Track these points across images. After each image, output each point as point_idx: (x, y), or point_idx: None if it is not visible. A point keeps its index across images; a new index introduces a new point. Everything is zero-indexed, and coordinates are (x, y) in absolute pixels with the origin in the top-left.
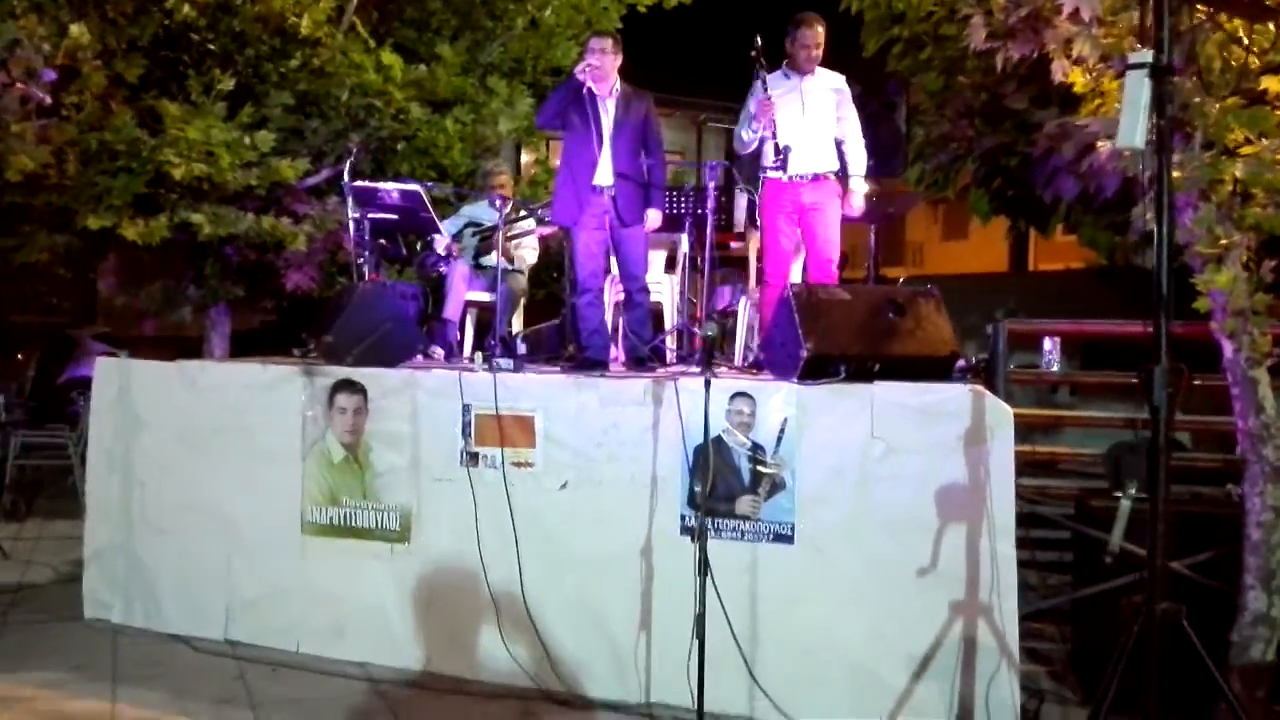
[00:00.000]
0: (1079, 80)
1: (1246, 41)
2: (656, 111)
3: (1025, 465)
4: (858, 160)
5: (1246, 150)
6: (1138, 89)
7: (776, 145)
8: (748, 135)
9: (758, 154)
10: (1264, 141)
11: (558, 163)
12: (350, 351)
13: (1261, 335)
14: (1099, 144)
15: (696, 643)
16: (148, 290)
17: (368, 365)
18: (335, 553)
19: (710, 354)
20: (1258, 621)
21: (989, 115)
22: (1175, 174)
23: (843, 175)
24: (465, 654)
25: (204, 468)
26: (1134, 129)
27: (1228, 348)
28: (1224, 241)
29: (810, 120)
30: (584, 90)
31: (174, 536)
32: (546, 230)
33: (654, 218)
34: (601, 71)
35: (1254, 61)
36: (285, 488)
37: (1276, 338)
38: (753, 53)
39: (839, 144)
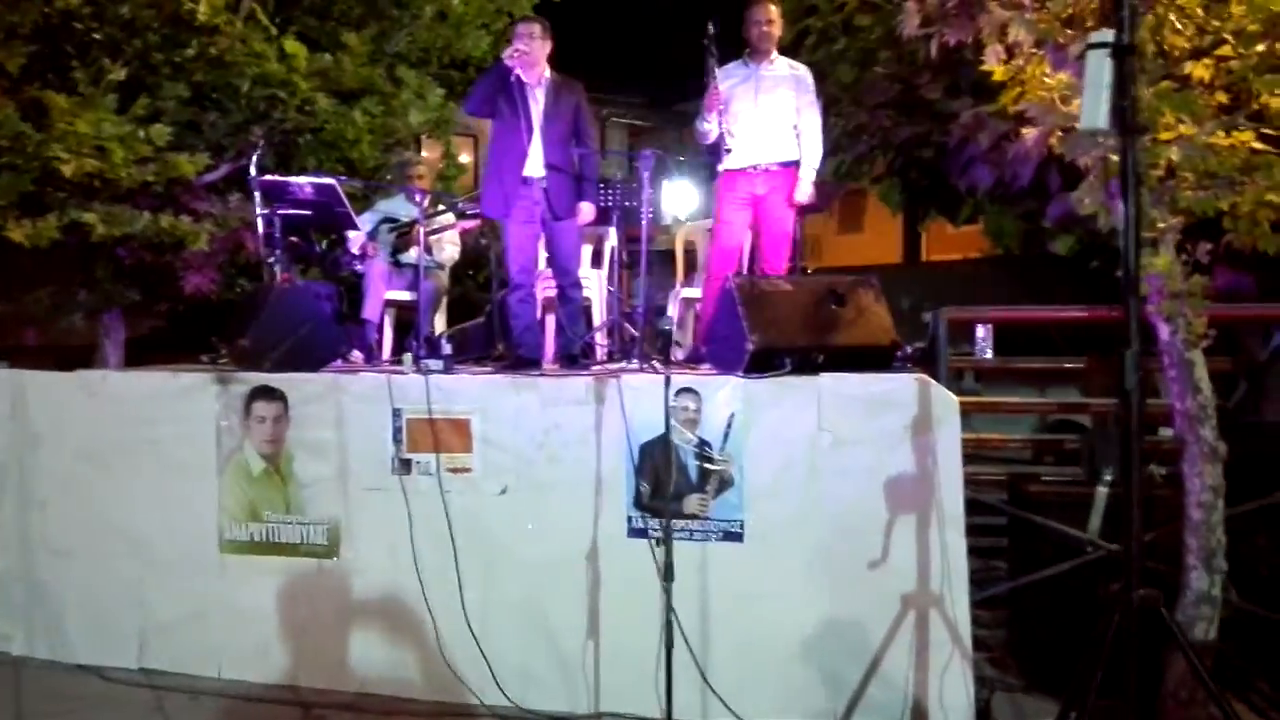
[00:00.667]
0: (999, 70)
1: (1178, 26)
2: (588, 101)
3: None
4: (811, 151)
5: (1170, 134)
6: (1099, 69)
7: (724, 134)
8: (705, 126)
9: (717, 144)
10: (1193, 126)
11: (464, 158)
12: (268, 356)
13: (1197, 317)
14: (1024, 130)
15: (664, 651)
16: (34, 296)
17: (287, 370)
18: (257, 571)
19: (668, 348)
20: (1200, 601)
21: (903, 106)
22: (1113, 158)
23: None
24: (403, 672)
25: (110, 485)
26: (1097, 109)
27: (1164, 330)
28: (1160, 225)
29: (764, 109)
30: (512, 78)
31: (79, 560)
32: (468, 224)
33: (587, 211)
34: (530, 58)
35: (1183, 45)
36: (200, 503)
37: (1211, 320)
38: (705, 40)
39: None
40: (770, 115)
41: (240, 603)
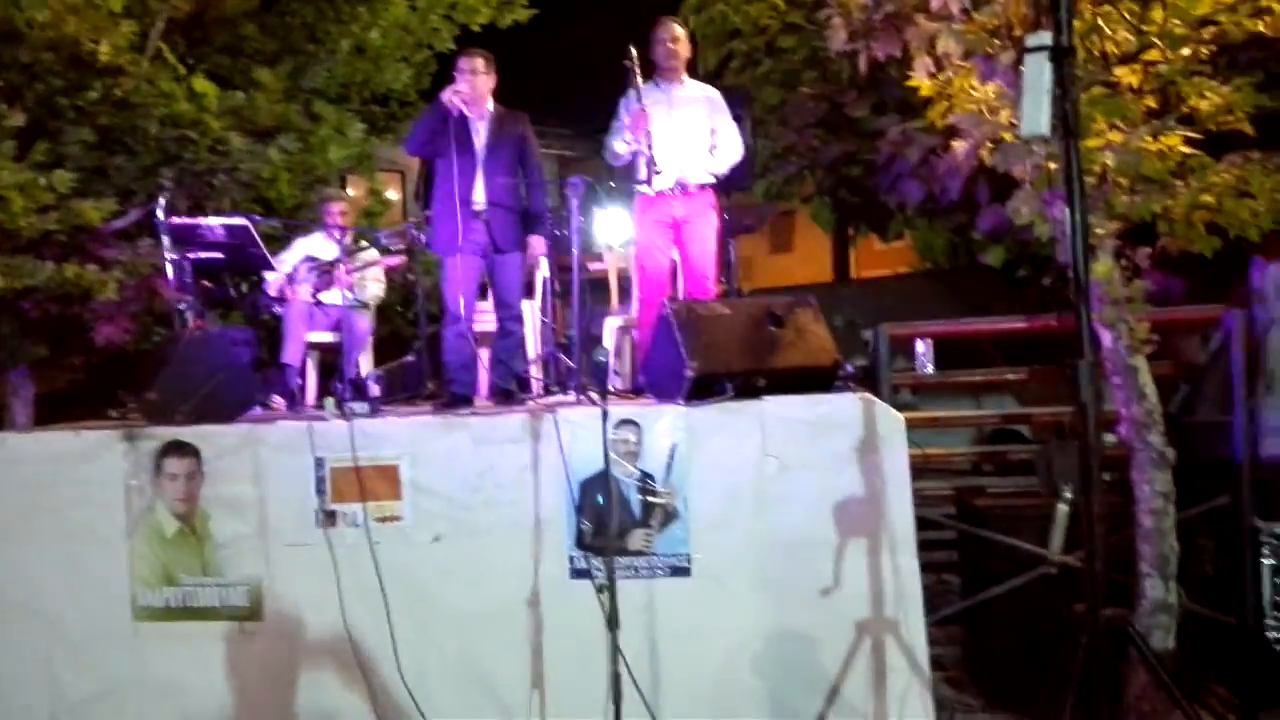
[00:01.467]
0: (925, 85)
1: (1107, 31)
2: (533, 133)
3: None
4: (719, 162)
5: (1096, 141)
6: (1038, 73)
7: (649, 158)
8: (621, 147)
9: (630, 166)
10: (1117, 135)
11: (392, 194)
12: (178, 409)
13: (1139, 323)
14: (954, 143)
15: (613, 708)
16: None
17: (200, 423)
18: (175, 638)
19: (605, 381)
20: (1157, 609)
21: (830, 125)
22: (1052, 165)
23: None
24: None
25: (12, 555)
26: (1038, 114)
27: (1107, 337)
28: (1099, 232)
29: (679, 130)
30: (455, 113)
31: None
32: (392, 261)
33: (537, 245)
34: (473, 94)
35: (1113, 50)
36: (110, 570)
37: (1153, 325)
38: (626, 62)
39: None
40: (685, 137)
41: (158, 675)
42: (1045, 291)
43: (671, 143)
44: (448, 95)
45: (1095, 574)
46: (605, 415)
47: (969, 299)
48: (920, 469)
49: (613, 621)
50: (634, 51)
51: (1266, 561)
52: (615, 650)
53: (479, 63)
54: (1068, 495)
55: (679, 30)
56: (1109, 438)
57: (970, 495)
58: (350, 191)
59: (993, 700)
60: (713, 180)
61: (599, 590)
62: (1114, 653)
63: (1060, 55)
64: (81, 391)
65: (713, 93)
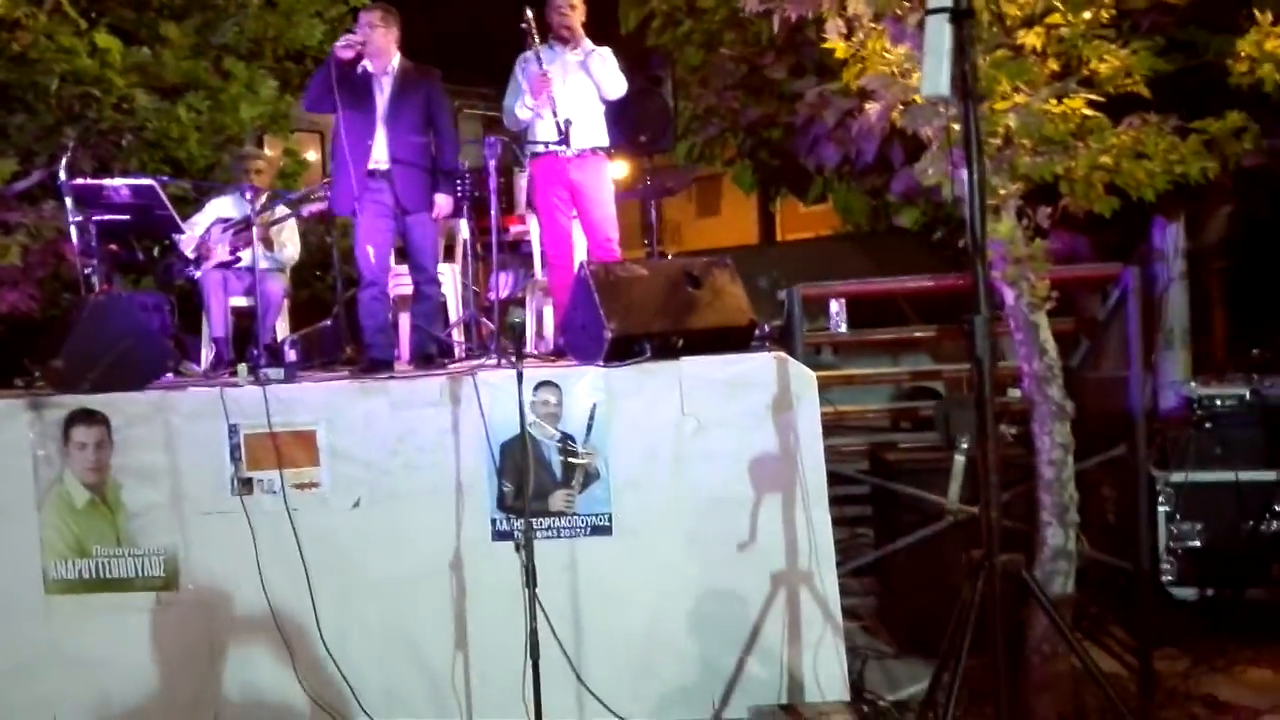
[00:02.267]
0: (840, 46)
1: None
2: (444, 90)
3: None
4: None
5: (1004, 104)
6: (939, 35)
7: (558, 123)
8: (523, 113)
9: (529, 130)
10: (1023, 97)
11: (311, 154)
12: (85, 376)
13: (1040, 280)
14: (866, 105)
15: (530, 664)
16: None
17: (108, 390)
18: (89, 611)
19: (520, 344)
20: (1057, 556)
21: (750, 87)
22: (955, 127)
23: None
24: (259, 706)
25: None
26: (938, 75)
27: (1009, 294)
28: (1001, 192)
29: (572, 94)
30: (358, 69)
31: None
32: (314, 207)
33: (443, 203)
34: (371, 48)
35: (1014, 13)
36: (19, 543)
37: (1052, 282)
38: (523, 25)
39: (609, 109)
40: (578, 100)
41: (73, 649)
42: (960, 253)
43: (565, 107)
44: (340, 45)
45: (991, 522)
46: (520, 377)
47: (890, 261)
48: (837, 425)
49: (530, 579)
50: (530, 14)
51: (1162, 509)
52: (533, 607)
53: (376, 15)
54: (964, 447)
55: None
56: (1014, 393)
57: (883, 450)
58: (268, 152)
59: (905, 646)
60: (605, 144)
61: (517, 549)
62: (1015, 598)
63: (960, 17)
64: None
65: (603, 50)
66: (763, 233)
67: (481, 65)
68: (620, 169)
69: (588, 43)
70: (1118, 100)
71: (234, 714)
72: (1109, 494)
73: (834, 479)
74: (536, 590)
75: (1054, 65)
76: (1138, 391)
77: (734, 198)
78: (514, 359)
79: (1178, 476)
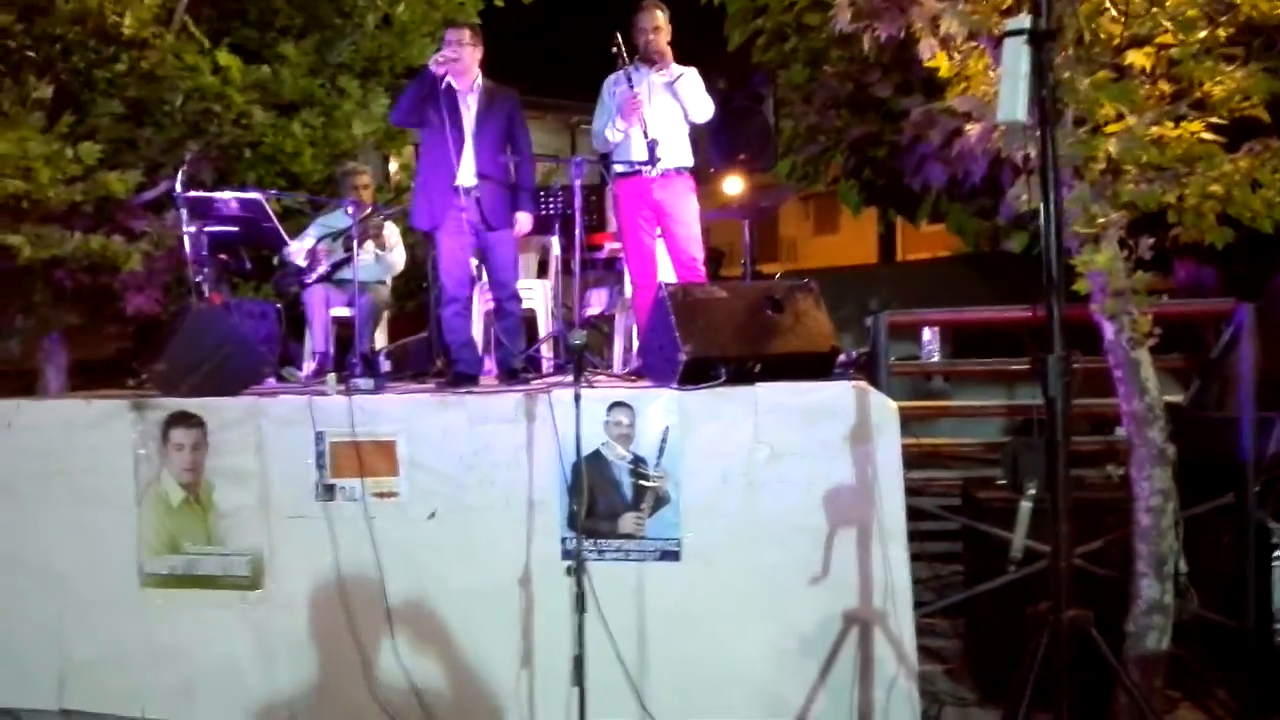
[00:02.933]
0: (944, 64)
1: (1114, 13)
2: (523, 109)
3: (908, 457)
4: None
5: (1115, 127)
6: (1016, 58)
7: (648, 143)
8: (614, 135)
9: (616, 149)
10: (1134, 117)
11: None
12: (185, 380)
13: (1142, 315)
14: (967, 126)
15: (577, 691)
16: None
17: (206, 394)
18: (179, 605)
19: (580, 365)
20: (1152, 610)
21: (855, 105)
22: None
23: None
24: (332, 707)
25: (26, 518)
26: (1014, 100)
27: (1109, 329)
28: (1100, 221)
29: (658, 115)
30: (442, 86)
31: None
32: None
33: (524, 221)
34: (460, 65)
35: (1118, 32)
36: (119, 536)
37: (1157, 317)
38: (614, 49)
39: (710, 128)
40: (664, 121)
41: (162, 639)
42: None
43: (652, 127)
44: (434, 59)
45: (1061, 572)
46: (578, 399)
47: (1011, 283)
48: (933, 457)
49: (581, 605)
50: (619, 36)
51: (1276, 565)
52: (581, 634)
53: (465, 34)
54: (1032, 492)
55: (660, 18)
56: (1120, 431)
57: (975, 487)
58: (393, 165)
59: (988, 694)
60: (690, 164)
61: (568, 573)
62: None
63: (1039, 39)
64: (127, 359)
65: (689, 70)
66: (882, 252)
67: (560, 78)
68: (735, 185)
69: (675, 66)
70: (1236, 125)
71: (307, 714)
72: (1228, 543)
73: (922, 514)
74: (588, 616)
75: (1165, 87)
76: (1249, 436)
77: (853, 215)
78: (584, 380)
79: None
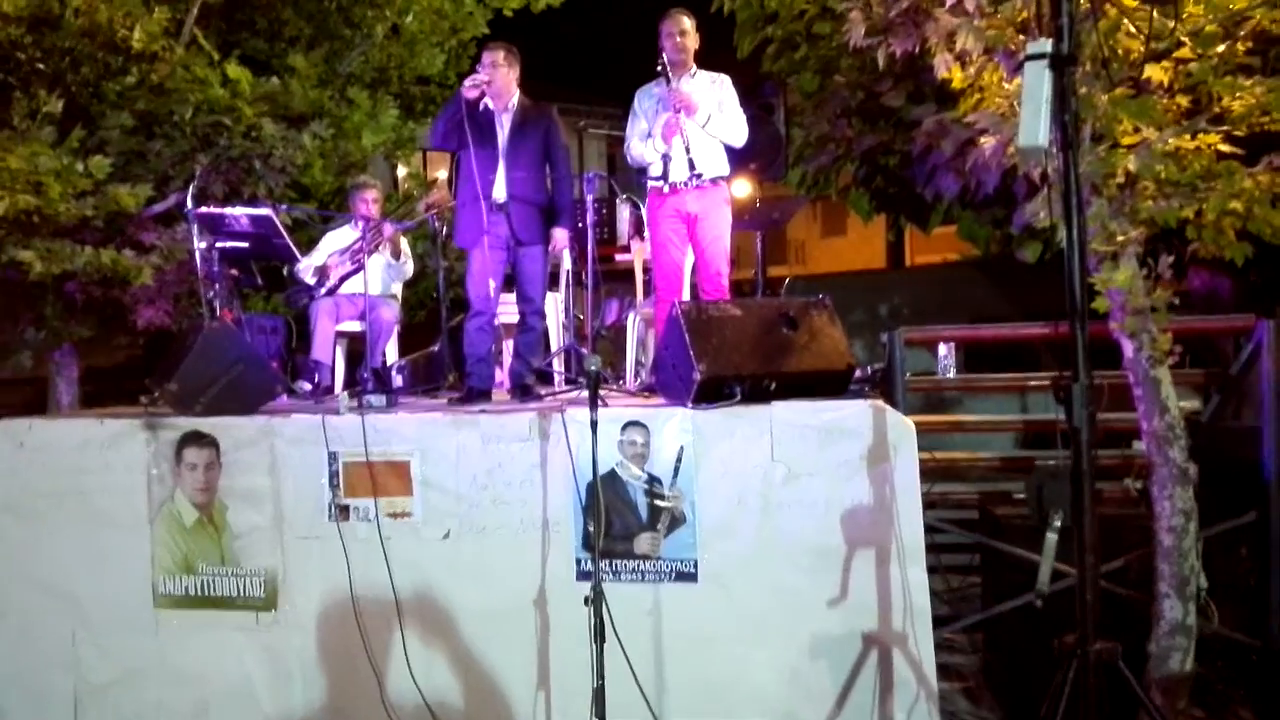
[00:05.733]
0: (957, 76)
1: (1132, 29)
2: (560, 126)
3: (923, 471)
4: (717, 128)
5: (1131, 139)
6: (1037, 82)
7: (690, 159)
8: (651, 155)
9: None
10: (1153, 132)
11: (434, 174)
12: (198, 399)
13: (1162, 333)
14: (981, 140)
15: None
16: None
17: (219, 413)
18: (193, 626)
19: (596, 391)
20: (1175, 631)
21: (866, 114)
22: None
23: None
24: None
25: (38, 538)
26: (1036, 125)
27: (1128, 347)
28: (1120, 238)
29: (689, 124)
30: (481, 107)
31: (7, 618)
32: (433, 197)
33: (560, 238)
34: (495, 87)
35: (1137, 48)
36: (132, 556)
37: (1177, 335)
38: (658, 67)
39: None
40: (696, 130)
41: (176, 660)
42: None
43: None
44: (467, 85)
45: (1087, 604)
46: (594, 426)
47: (1023, 289)
48: (949, 470)
49: (599, 636)
50: (664, 56)
51: None
52: (600, 665)
53: (500, 55)
54: (1057, 524)
55: (687, 23)
56: (1139, 445)
57: (993, 503)
58: (402, 170)
59: (1009, 714)
60: (726, 173)
61: (586, 603)
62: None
63: (1060, 64)
64: (138, 365)
65: (721, 77)
66: (890, 256)
67: (608, 84)
68: (741, 188)
69: (704, 74)
70: (1253, 140)
71: None
72: (1246, 556)
73: (940, 526)
74: (607, 641)
75: (1183, 101)
76: (1271, 453)
77: (859, 218)
78: (600, 401)
79: None
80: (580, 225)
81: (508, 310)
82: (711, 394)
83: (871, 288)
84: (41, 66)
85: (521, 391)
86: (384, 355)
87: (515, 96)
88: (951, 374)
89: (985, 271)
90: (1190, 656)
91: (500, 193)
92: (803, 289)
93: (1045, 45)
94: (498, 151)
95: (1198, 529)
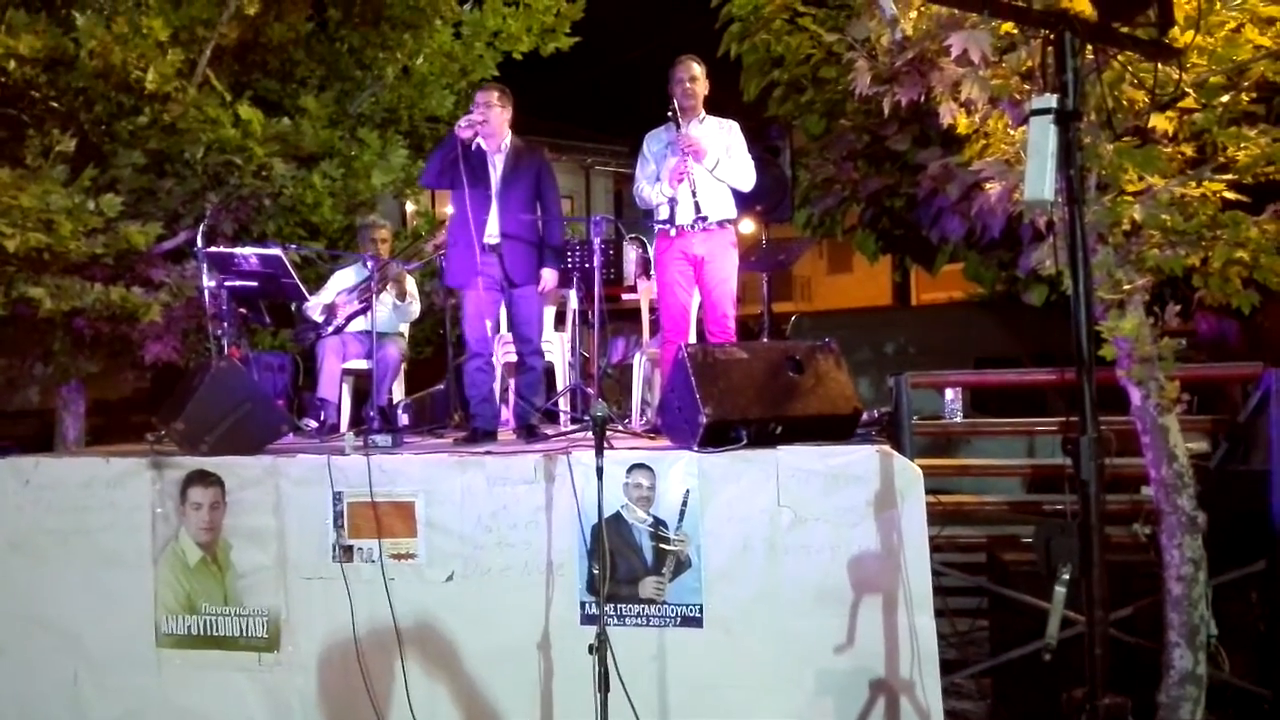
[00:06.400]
0: (962, 122)
1: (1136, 80)
2: (551, 168)
3: (931, 515)
4: (726, 172)
5: (1136, 186)
6: (1043, 136)
7: (696, 202)
8: (658, 197)
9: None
10: (1159, 181)
11: (443, 211)
12: (204, 438)
13: (1169, 381)
14: (987, 185)
15: None
16: None
17: (226, 453)
18: (196, 666)
19: (602, 438)
20: (1185, 680)
21: (872, 157)
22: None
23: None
24: None
25: (42, 576)
26: (1042, 180)
27: (1135, 395)
28: (1126, 286)
29: (697, 168)
30: (473, 147)
31: (10, 656)
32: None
33: (548, 278)
34: (488, 127)
35: (1141, 98)
36: (136, 595)
37: (1185, 382)
38: (669, 113)
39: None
40: (703, 175)
41: (178, 700)
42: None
43: (689, 179)
44: (462, 125)
45: (1096, 659)
46: (600, 473)
47: (1030, 329)
48: (954, 514)
49: (604, 684)
50: (675, 101)
51: None
52: (604, 714)
53: (493, 95)
54: (1065, 577)
55: (696, 69)
56: (1148, 490)
57: (1001, 549)
58: (411, 207)
59: None
60: (733, 216)
61: (590, 651)
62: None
63: (1065, 119)
64: (145, 397)
65: (729, 123)
66: (896, 294)
67: (615, 122)
68: (748, 229)
69: (713, 119)
70: (1259, 188)
71: None
72: (1256, 600)
73: (947, 570)
74: (615, 672)
75: (1188, 150)
76: (1278, 499)
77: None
78: (606, 445)
79: None
80: (588, 266)
81: (510, 351)
82: (718, 437)
83: (878, 325)
84: (55, 105)
85: (527, 432)
86: (390, 393)
87: (508, 138)
88: (959, 417)
89: (992, 311)
90: (1200, 706)
91: (494, 232)
92: (808, 326)
93: (1050, 100)
94: (490, 192)
95: (1207, 577)
